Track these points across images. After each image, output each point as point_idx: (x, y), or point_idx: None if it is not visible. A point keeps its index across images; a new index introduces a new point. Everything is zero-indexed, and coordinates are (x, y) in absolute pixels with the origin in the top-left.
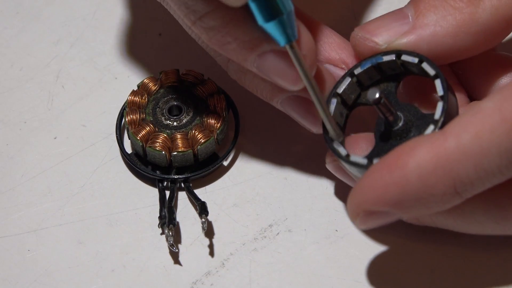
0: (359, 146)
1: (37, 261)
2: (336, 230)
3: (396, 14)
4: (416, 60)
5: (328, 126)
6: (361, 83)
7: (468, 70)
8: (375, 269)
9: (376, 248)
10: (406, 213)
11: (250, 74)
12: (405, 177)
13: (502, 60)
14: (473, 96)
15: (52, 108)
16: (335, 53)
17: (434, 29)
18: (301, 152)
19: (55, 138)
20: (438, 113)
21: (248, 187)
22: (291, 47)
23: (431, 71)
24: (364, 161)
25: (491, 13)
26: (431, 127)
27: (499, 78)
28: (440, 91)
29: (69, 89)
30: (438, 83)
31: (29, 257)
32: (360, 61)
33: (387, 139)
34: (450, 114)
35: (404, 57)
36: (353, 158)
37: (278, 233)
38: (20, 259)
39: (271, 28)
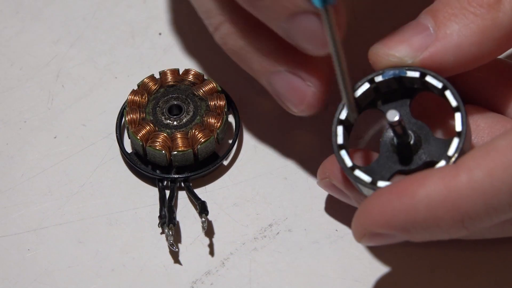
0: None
1: (37, 261)
2: (336, 230)
3: (416, 27)
4: (440, 85)
5: (347, 102)
6: (378, 89)
7: (472, 78)
8: (375, 269)
9: (375, 248)
10: (411, 238)
11: (245, 42)
12: (414, 205)
13: (508, 68)
14: (477, 102)
15: (52, 107)
16: None
17: (458, 39)
18: (301, 152)
19: (55, 137)
20: (452, 150)
21: (248, 187)
22: (326, 11)
23: (453, 102)
24: (368, 179)
25: None
26: (443, 162)
27: (508, 88)
28: (458, 126)
29: (69, 89)
30: (458, 117)
31: (29, 257)
32: (382, 69)
33: (393, 156)
34: (464, 151)
35: (429, 78)
36: (357, 173)
37: (278, 233)
38: (20, 259)
39: None
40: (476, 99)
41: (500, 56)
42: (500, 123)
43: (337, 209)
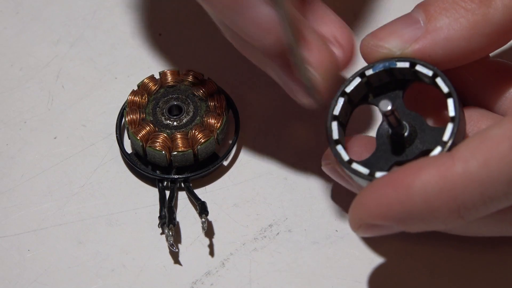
0: (354, 149)
1: (37, 261)
2: (336, 230)
3: (407, 19)
4: (430, 73)
5: (309, 90)
6: (370, 84)
7: (464, 76)
8: (375, 270)
9: (375, 249)
10: (408, 229)
11: None
12: (410, 196)
13: (499, 66)
14: (469, 101)
15: (52, 108)
16: (327, 27)
17: (448, 33)
18: (301, 152)
19: (55, 138)
20: (447, 135)
21: (248, 187)
22: None
23: (445, 88)
24: (365, 171)
25: (503, 13)
26: (439, 148)
27: (498, 86)
28: (451, 111)
29: (69, 89)
30: (450, 102)
31: (29, 257)
32: (372, 63)
33: (389, 147)
34: (459, 136)
35: (419, 67)
36: (355, 166)
37: (278, 233)
38: (20, 259)
39: None
40: (464, 96)
41: (491, 55)
42: (489, 118)
43: (337, 209)
